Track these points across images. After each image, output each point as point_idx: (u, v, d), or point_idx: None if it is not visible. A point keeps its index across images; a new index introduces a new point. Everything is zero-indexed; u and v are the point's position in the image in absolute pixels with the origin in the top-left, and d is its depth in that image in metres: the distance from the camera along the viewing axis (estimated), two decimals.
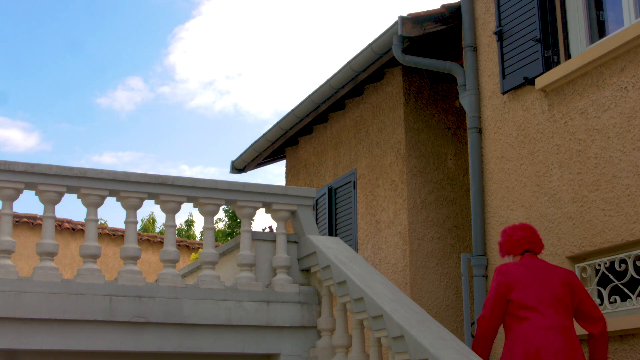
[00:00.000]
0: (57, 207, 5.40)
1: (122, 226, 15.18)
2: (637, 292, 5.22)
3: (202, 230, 9.98)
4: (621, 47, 5.29)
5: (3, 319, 4.93)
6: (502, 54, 6.41)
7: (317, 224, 8.66)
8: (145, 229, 24.79)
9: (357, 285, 5.06)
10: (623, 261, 5.33)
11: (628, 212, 5.19)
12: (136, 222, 5.54)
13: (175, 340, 5.32)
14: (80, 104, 41.02)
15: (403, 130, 7.82)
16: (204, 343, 5.39)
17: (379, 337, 4.86)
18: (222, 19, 44.44)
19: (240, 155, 10.35)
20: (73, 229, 14.89)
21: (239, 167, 10.56)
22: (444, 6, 7.16)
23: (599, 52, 5.45)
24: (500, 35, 6.45)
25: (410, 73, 7.99)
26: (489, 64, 6.65)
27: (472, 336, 5.74)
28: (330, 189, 9.04)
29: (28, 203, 46.52)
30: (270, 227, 18.68)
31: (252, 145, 10.04)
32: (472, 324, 6.35)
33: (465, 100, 6.78)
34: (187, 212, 33.16)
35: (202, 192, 5.66)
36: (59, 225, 14.61)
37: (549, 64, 5.96)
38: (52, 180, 5.28)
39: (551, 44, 6.00)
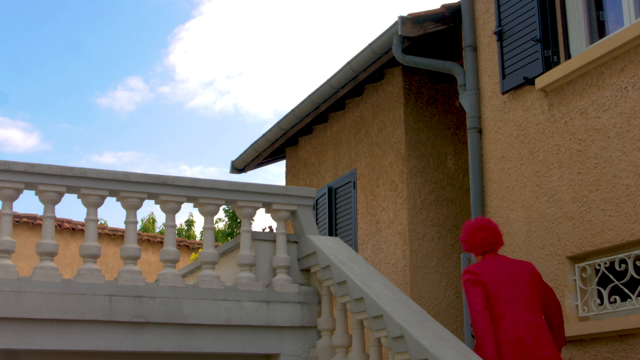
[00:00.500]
0: (57, 207, 5.40)
1: (122, 226, 15.18)
2: (637, 292, 5.22)
3: (202, 230, 9.98)
4: (621, 47, 5.29)
5: (3, 319, 4.93)
6: (502, 54, 6.41)
7: (317, 224, 8.66)
8: (145, 229, 24.79)
9: (357, 285, 5.05)
10: (623, 261, 5.33)
11: (628, 212, 5.19)
12: (136, 222, 5.53)
13: (175, 340, 5.32)
14: (80, 104, 41.07)
15: (403, 130, 7.82)
16: (204, 343, 5.39)
17: (379, 337, 4.86)
18: (222, 19, 44.48)
19: (240, 155, 10.35)
20: (73, 229, 14.88)
21: (239, 167, 10.56)
22: (444, 6, 7.16)
23: (599, 52, 5.45)
24: (500, 35, 6.45)
25: (410, 73, 7.99)
26: (489, 64, 6.65)
27: (472, 336, 5.74)
28: (330, 189, 9.04)
29: (28, 203, 46.55)
30: (270, 227, 18.67)
31: (252, 145, 10.04)
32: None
33: (465, 100, 6.78)
34: (187, 212, 33.23)
35: (202, 192, 5.66)
36: (59, 225, 14.61)
37: (549, 64, 5.96)
38: (52, 180, 5.28)
39: (551, 44, 6.01)
